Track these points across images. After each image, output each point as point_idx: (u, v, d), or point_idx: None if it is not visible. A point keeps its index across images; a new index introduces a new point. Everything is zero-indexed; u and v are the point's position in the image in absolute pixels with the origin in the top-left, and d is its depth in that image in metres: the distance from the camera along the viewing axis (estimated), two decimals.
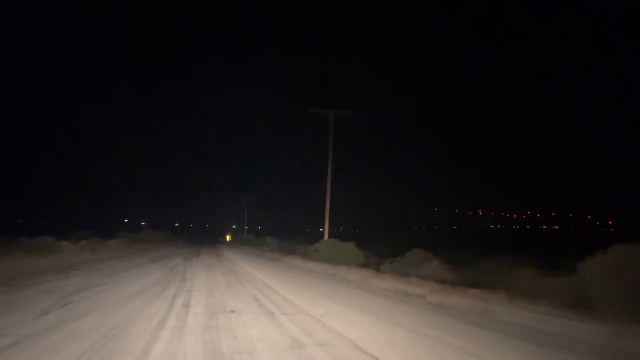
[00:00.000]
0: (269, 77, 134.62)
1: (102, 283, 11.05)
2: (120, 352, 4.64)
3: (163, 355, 4.56)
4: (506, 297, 8.07)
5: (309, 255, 22.25)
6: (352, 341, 5.31)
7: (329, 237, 27.37)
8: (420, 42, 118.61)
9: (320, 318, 6.73)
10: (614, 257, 7.22)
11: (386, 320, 6.77)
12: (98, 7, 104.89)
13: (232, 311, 7.06)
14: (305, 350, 4.86)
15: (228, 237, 79.59)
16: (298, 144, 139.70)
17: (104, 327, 5.75)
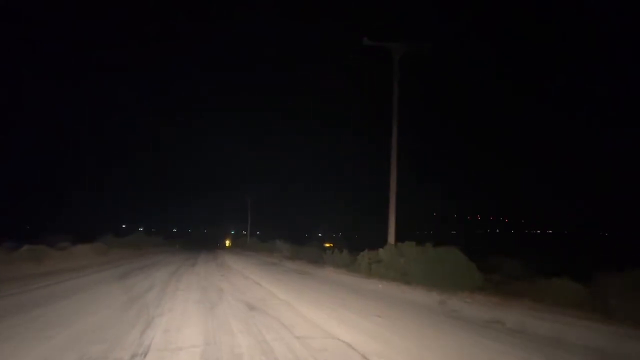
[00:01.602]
0: (269, 76, 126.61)
1: None
2: None
3: None
4: None
5: (357, 268, 14.15)
6: None
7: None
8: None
9: None
10: None
11: None
12: (98, 7, 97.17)
13: None
14: None
15: (228, 242, 71.15)
16: (297, 146, 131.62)
17: None
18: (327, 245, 33.34)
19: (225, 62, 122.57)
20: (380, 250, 12.45)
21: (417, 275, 10.18)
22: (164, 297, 8.10)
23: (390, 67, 13.25)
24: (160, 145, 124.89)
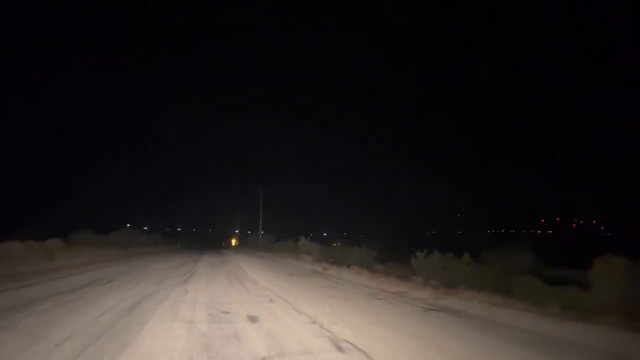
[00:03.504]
0: (269, 75, 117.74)
1: None
2: None
3: None
4: None
5: (576, 303, 5.54)
6: None
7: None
8: (418, 45, 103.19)
9: None
10: None
11: None
12: (98, 7, 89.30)
13: None
14: None
15: (234, 242, 62.68)
16: (296, 145, 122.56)
17: None
18: (335, 245, 25.97)
19: (224, 63, 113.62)
20: None
21: None
22: None
23: None
24: (162, 146, 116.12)
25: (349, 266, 13.61)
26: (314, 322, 4.92)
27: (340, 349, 3.77)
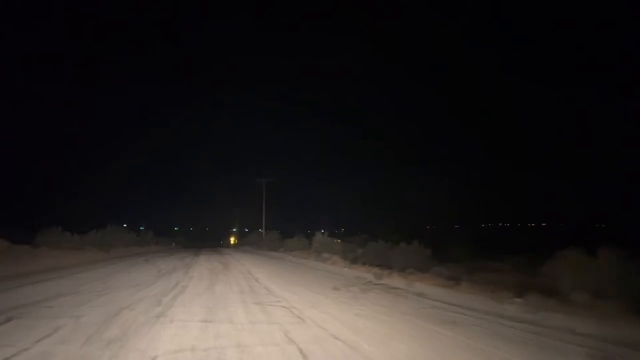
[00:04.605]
0: (271, 73, 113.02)
1: None
2: None
3: None
4: None
5: None
6: None
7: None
8: (418, 44, 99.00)
9: None
10: None
11: None
12: (98, 7, 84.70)
13: None
14: None
15: (233, 240, 58.76)
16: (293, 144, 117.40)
17: None
18: (337, 241, 22.12)
19: (224, 63, 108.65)
20: None
21: None
22: None
23: None
24: (162, 146, 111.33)
25: (404, 271, 9.15)
26: None
27: None
